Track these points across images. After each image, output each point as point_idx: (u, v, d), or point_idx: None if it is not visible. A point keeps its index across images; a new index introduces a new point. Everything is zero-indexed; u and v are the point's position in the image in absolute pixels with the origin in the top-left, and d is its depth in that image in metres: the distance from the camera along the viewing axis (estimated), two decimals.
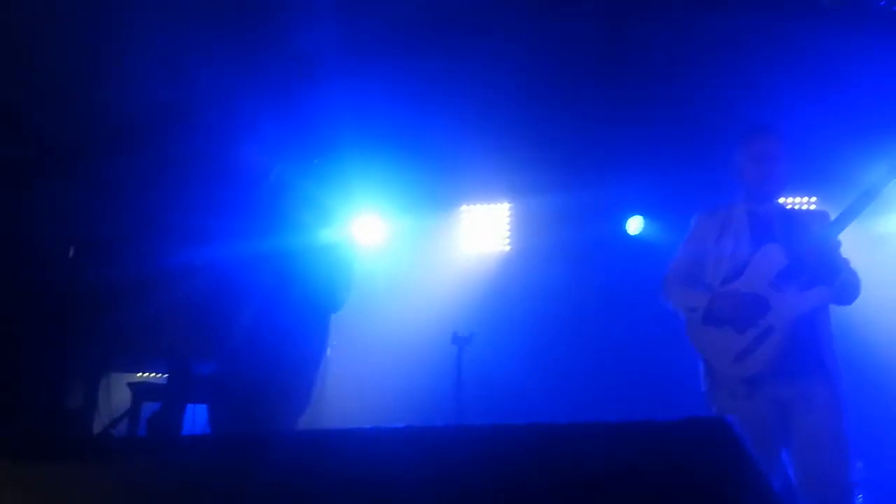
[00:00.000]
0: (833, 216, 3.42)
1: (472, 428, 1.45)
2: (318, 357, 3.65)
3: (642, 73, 6.41)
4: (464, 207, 7.27)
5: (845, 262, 3.42)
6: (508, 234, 7.24)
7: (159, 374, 4.35)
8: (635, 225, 6.90)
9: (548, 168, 6.91)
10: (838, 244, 3.38)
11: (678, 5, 5.86)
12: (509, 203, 7.24)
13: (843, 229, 3.31)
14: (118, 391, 4.08)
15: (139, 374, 4.64)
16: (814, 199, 6.65)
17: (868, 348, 5.76)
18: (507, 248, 7.23)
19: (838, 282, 3.31)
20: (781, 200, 3.78)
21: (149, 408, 3.83)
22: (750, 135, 3.63)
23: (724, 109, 6.04)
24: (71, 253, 3.73)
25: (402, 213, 7.00)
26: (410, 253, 7.03)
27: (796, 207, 6.40)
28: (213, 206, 3.87)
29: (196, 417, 3.89)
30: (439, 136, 6.40)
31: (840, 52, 5.57)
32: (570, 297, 6.67)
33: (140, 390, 3.93)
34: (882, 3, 2.18)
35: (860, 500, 5.12)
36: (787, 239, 3.41)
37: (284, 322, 3.60)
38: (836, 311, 3.48)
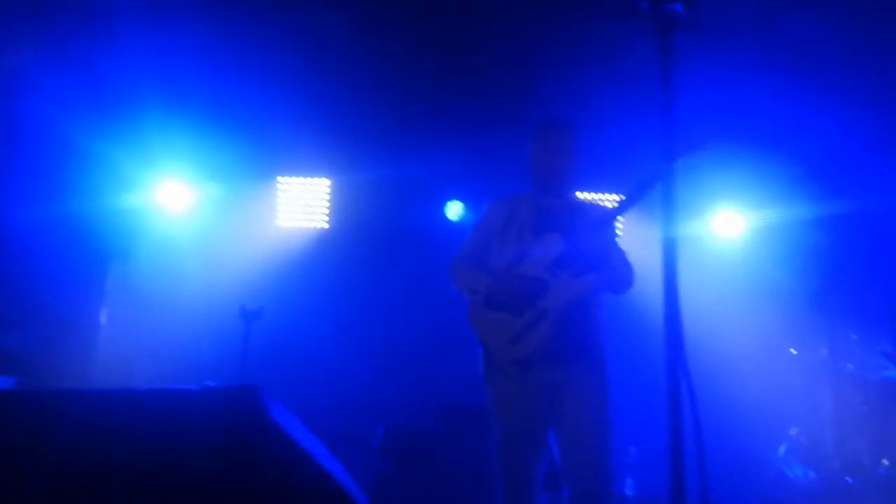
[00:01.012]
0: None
1: None
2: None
3: (469, 61, 6.47)
4: (280, 179, 7.07)
5: (620, 252, 3.53)
6: (327, 210, 7.12)
7: None
8: (455, 210, 6.97)
9: (371, 146, 6.84)
10: (613, 234, 3.49)
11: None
12: (329, 179, 7.11)
13: (615, 218, 3.42)
14: None
15: None
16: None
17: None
18: (326, 224, 7.11)
19: (608, 270, 3.41)
20: (589, 196, 3.84)
21: None
22: (544, 129, 3.67)
23: (546, 104, 6.17)
24: None
25: (213, 181, 6.71)
26: (219, 223, 6.77)
27: (588, 201, 6.66)
28: None
29: None
30: (254, 103, 6.18)
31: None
32: (381, 278, 6.66)
33: None
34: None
35: (630, 484, 5.42)
36: (568, 228, 3.47)
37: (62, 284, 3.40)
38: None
